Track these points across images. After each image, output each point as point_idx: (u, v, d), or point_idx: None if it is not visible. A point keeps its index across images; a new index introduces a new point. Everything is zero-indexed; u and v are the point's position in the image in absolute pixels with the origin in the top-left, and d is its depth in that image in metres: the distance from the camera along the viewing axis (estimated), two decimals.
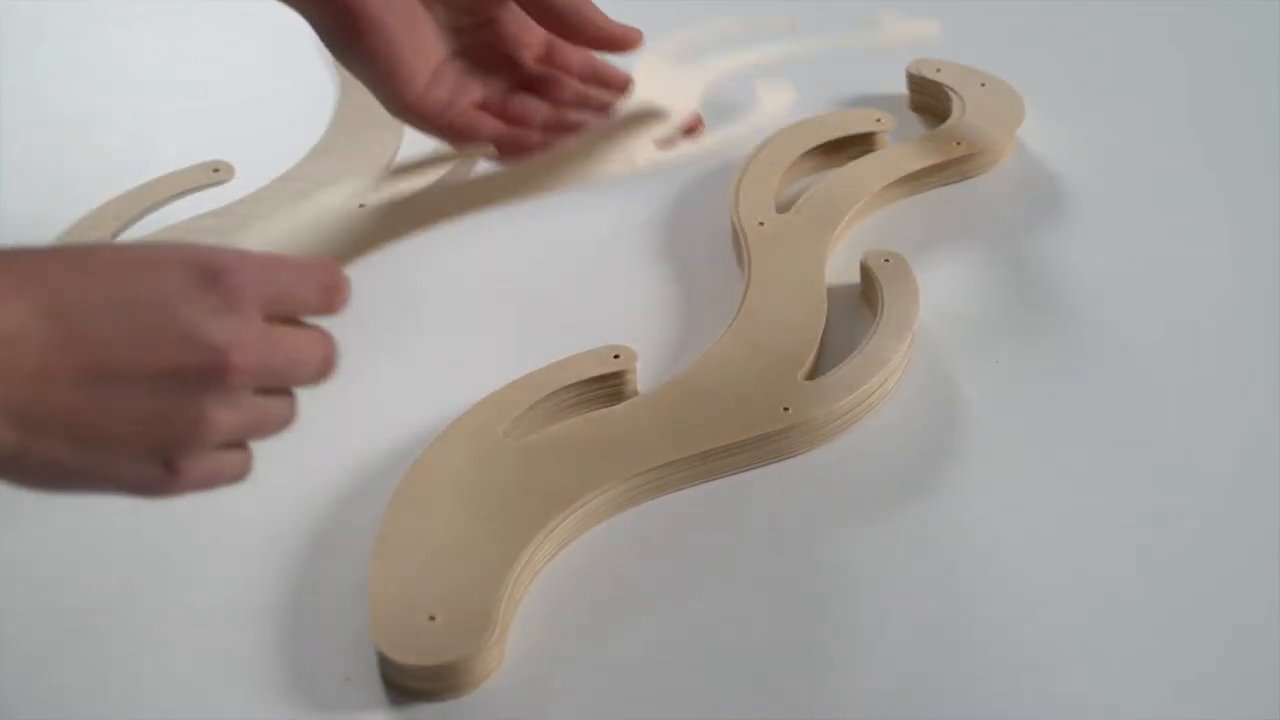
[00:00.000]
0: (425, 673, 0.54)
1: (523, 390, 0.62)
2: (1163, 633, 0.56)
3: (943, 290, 0.69)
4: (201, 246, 0.46)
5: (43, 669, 0.57)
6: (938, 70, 0.78)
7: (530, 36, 0.62)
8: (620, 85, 0.62)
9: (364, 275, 0.71)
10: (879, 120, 0.76)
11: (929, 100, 0.79)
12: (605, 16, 0.60)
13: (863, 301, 0.69)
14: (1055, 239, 0.72)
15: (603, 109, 0.62)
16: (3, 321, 0.41)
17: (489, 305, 0.70)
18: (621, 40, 0.60)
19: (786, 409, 0.61)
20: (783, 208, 0.72)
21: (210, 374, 0.45)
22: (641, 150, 0.64)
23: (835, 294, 0.68)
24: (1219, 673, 0.54)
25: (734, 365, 0.63)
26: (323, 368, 0.50)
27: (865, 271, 0.68)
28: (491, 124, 0.60)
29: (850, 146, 0.75)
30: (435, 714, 0.54)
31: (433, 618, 0.54)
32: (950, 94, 0.77)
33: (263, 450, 0.63)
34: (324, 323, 0.68)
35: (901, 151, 0.74)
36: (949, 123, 0.76)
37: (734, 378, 0.63)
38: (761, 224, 0.70)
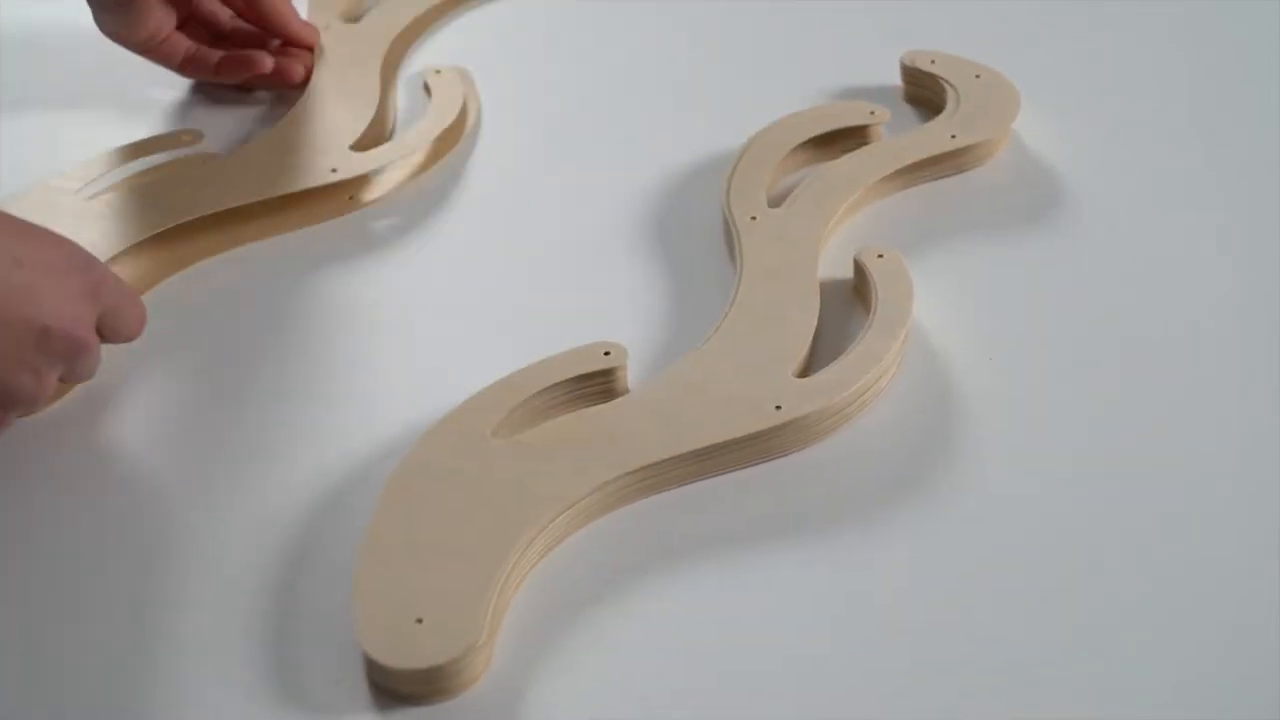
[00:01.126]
0: (412, 676, 0.54)
1: (511, 388, 0.62)
2: (1163, 632, 0.56)
3: (937, 285, 0.69)
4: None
5: (28, 672, 0.57)
6: (932, 62, 0.78)
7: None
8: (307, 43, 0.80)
9: (343, 272, 0.71)
10: (873, 113, 0.75)
11: (923, 92, 0.79)
12: (292, 12, 0.78)
13: (855, 297, 0.68)
14: (1051, 234, 0.72)
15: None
16: None
17: (476, 301, 0.70)
18: (299, 37, 0.79)
19: (778, 407, 0.61)
20: (775, 202, 0.72)
21: (71, 345, 0.55)
22: (339, 157, 0.74)
23: (828, 289, 0.68)
24: (1219, 673, 0.54)
25: (725, 362, 0.63)
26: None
27: (859, 267, 0.68)
28: (214, 51, 0.78)
29: (844, 139, 0.75)
30: (423, 717, 0.54)
31: (420, 620, 0.54)
32: (945, 86, 0.77)
33: (248, 451, 0.64)
34: (323, 324, 0.69)
35: (895, 145, 0.74)
36: (943, 115, 0.76)
37: (725, 375, 0.63)
38: (754, 218, 0.70)
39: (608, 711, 0.54)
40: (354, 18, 0.83)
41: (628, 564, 0.59)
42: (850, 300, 0.68)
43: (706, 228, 0.73)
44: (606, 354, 0.63)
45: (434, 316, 0.69)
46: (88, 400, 0.65)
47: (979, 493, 0.61)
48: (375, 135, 0.77)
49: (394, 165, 0.75)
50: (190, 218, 0.71)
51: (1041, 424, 0.63)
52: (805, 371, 0.64)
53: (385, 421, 0.64)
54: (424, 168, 0.76)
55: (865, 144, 0.75)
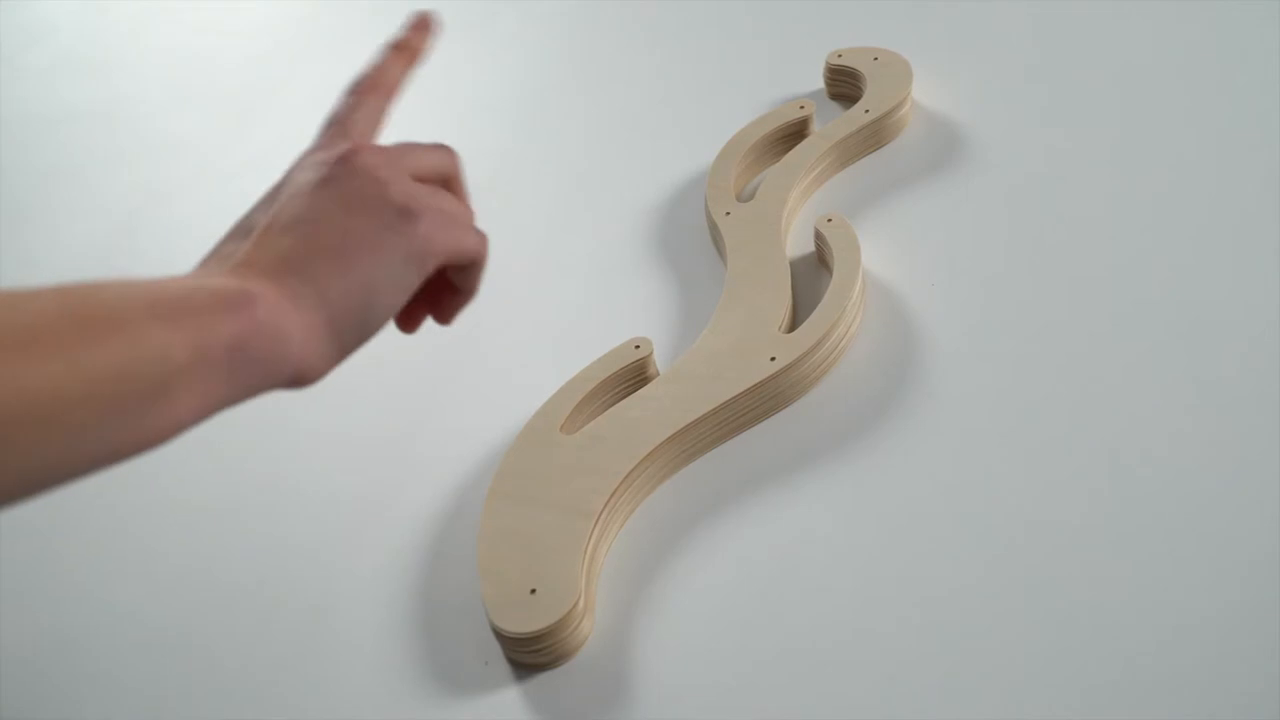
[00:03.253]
0: (529, 640, 0.57)
1: (570, 390, 0.66)
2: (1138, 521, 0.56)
3: (881, 237, 0.72)
4: None
5: (188, 668, 0.60)
6: (839, 56, 0.80)
7: None
8: None
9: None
10: (802, 106, 0.78)
11: (842, 87, 0.82)
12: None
13: (820, 265, 0.72)
14: (960, 179, 0.75)
15: None
16: (246, 284, 0.46)
17: (505, 324, 0.72)
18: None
19: (773, 358, 0.65)
20: (744, 198, 0.75)
21: (339, 158, 0.49)
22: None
23: (799, 263, 0.71)
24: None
25: (727, 334, 0.66)
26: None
27: (816, 235, 0.70)
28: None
29: (788, 138, 0.78)
30: (546, 681, 0.58)
31: (533, 591, 0.58)
32: (854, 73, 0.79)
33: (363, 467, 0.65)
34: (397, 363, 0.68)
35: (824, 132, 0.78)
36: (860, 100, 0.78)
37: (730, 342, 0.65)
38: (728, 214, 0.73)
39: (702, 643, 0.57)
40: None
41: (697, 519, 0.62)
42: (818, 268, 0.71)
43: (695, 227, 0.76)
44: (637, 347, 0.66)
45: (486, 346, 0.71)
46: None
47: (950, 399, 0.64)
48: None
49: None
50: None
51: (986, 334, 0.66)
52: (791, 328, 0.67)
53: (472, 429, 0.66)
54: None
55: (804, 136, 0.77)
